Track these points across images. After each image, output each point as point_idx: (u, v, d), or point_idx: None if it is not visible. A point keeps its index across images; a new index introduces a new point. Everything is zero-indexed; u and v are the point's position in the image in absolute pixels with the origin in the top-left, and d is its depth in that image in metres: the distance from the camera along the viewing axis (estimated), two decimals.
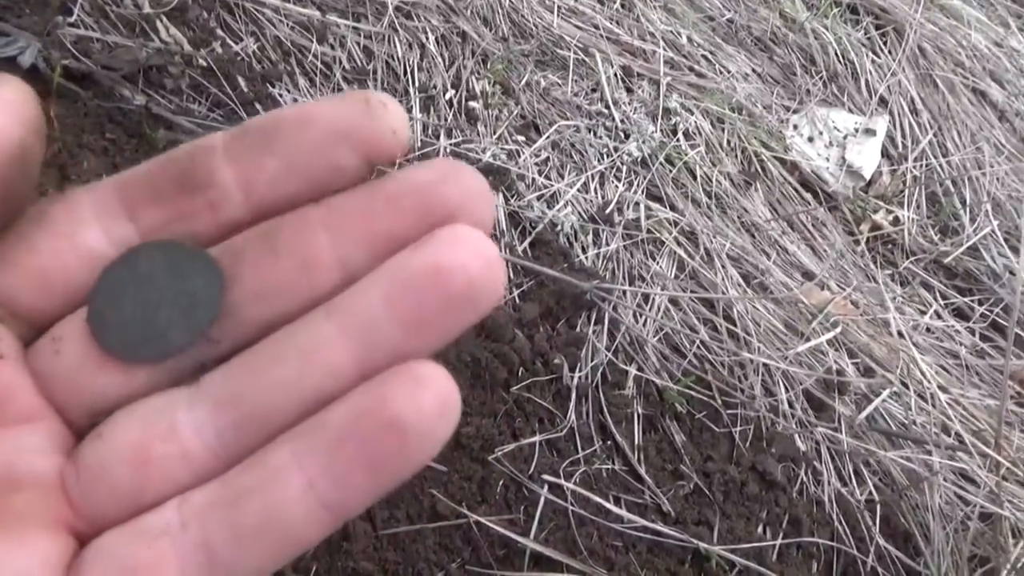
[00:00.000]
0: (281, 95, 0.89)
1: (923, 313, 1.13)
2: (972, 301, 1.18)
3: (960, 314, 1.18)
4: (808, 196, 1.20)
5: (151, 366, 0.20)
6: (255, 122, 0.21)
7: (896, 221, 1.24)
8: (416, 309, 0.18)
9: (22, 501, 0.18)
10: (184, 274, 0.20)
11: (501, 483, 0.71)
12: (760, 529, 0.79)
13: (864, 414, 0.89)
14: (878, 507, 0.84)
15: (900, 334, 0.99)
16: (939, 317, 1.14)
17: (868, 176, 1.24)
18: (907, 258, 1.20)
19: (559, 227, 0.94)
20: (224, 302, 0.20)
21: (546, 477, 0.73)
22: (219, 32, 0.90)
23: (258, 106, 0.86)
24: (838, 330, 0.95)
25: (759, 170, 1.18)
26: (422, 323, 0.18)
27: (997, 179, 1.33)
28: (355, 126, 0.20)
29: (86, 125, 0.77)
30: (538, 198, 0.96)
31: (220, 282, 0.20)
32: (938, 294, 1.18)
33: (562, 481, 0.73)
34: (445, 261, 0.18)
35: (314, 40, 0.95)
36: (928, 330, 1.11)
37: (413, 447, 0.17)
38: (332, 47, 0.97)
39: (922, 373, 0.93)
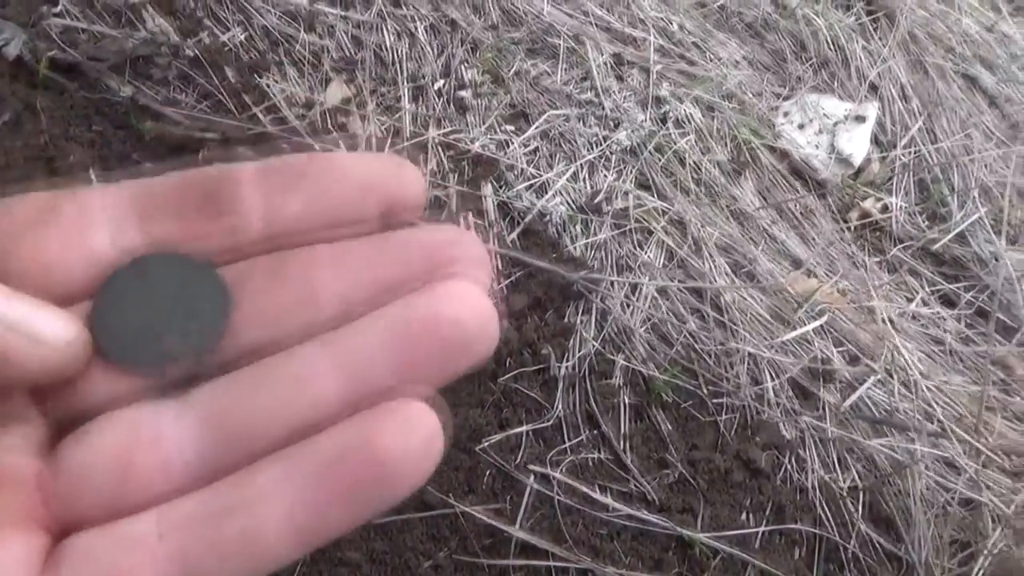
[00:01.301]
0: (269, 85, 0.88)
1: (910, 300, 1.14)
2: (959, 288, 1.19)
3: (947, 301, 1.19)
4: (798, 184, 1.21)
5: (143, 376, 0.20)
6: (289, 160, 0.22)
7: (885, 208, 1.24)
8: (410, 352, 0.19)
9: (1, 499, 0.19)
10: (193, 291, 0.20)
11: (488, 473, 0.72)
12: (744, 516, 0.80)
13: (849, 402, 0.90)
14: (861, 494, 0.86)
15: (884, 321, 1.00)
16: (926, 304, 1.15)
17: (858, 163, 1.24)
18: (895, 245, 1.21)
19: (548, 217, 0.95)
20: (227, 325, 0.20)
21: (533, 467, 0.74)
22: (206, 22, 0.90)
23: (246, 97, 0.86)
24: (824, 319, 0.96)
25: (749, 158, 1.18)
26: (415, 366, 0.19)
27: (986, 165, 1.33)
28: (384, 184, 0.21)
29: (72, 117, 0.76)
30: (528, 188, 0.97)
31: (226, 305, 0.20)
32: (925, 281, 1.19)
33: (549, 471, 0.74)
34: (444, 312, 0.19)
35: (302, 29, 0.95)
36: (914, 317, 1.12)
37: (394, 485, 0.18)
38: (320, 36, 0.96)
39: (905, 360, 0.95)
